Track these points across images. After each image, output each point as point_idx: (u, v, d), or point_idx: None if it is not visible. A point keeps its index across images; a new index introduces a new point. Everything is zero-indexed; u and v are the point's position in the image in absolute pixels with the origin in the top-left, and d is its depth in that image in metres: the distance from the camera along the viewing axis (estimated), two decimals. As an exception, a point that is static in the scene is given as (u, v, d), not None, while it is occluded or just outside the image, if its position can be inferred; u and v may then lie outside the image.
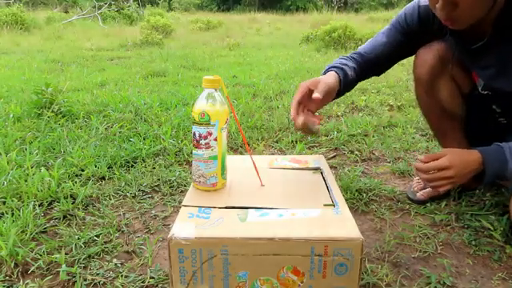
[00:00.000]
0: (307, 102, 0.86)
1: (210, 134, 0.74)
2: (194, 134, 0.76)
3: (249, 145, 1.68)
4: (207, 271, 0.63)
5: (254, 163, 0.84)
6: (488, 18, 0.85)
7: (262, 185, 0.82)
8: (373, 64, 1.08)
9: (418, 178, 1.29)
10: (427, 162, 0.90)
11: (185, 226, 0.64)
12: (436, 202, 1.18)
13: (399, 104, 2.30)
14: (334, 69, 0.97)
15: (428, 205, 1.16)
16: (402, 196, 1.23)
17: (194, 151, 0.77)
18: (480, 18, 0.83)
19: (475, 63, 0.98)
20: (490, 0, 0.80)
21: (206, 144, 0.75)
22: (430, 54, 1.04)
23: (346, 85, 0.98)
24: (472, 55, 0.96)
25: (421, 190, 1.20)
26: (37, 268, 0.88)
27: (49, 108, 1.97)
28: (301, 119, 0.82)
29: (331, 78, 0.92)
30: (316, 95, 0.82)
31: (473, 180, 0.91)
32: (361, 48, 1.10)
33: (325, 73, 0.97)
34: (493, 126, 1.07)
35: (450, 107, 1.08)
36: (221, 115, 0.74)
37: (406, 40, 1.05)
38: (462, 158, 0.89)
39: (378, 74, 1.14)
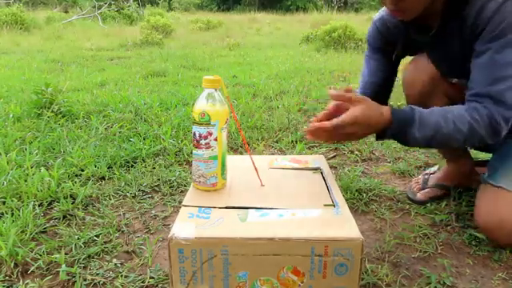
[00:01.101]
0: None
1: (210, 133, 0.74)
2: (194, 133, 0.76)
3: (249, 145, 1.68)
4: (207, 271, 0.63)
5: (253, 163, 0.84)
6: (436, 8, 0.87)
7: (262, 185, 0.82)
8: (378, 94, 1.09)
9: (417, 178, 1.29)
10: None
11: (185, 226, 0.64)
12: (436, 201, 1.18)
13: (399, 104, 2.30)
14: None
15: (428, 205, 1.16)
16: (401, 196, 1.23)
17: (194, 151, 0.77)
18: (428, 8, 0.85)
19: (431, 56, 1.01)
20: None
21: (206, 144, 0.75)
22: (417, 75, 1.06)
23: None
24: (428, 47, 1.00)
25: (420, 190, 1.20)
26: (37, 268, 0.88)
27: (49, 108, 1.97)
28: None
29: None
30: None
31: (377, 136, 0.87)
32: (363, 81, 1.15)
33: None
34: None
35: None
36: (221, 115, 0.74)
37: (384, 58, 1.09)
38: (366, 111, 0.83)
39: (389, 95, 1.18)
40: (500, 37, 0.80)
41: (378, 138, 0.87)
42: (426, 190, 1.20)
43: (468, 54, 0.88)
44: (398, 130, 0.84)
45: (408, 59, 1.13)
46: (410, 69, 1.08)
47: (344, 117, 0.79)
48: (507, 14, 0.78)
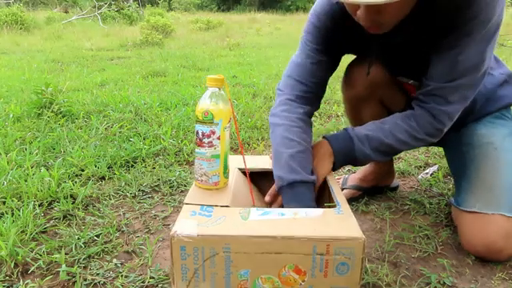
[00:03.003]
0: None
1: (213, 132, 0.74)
2: (197, 132, 0.76)
3: (249, 145, 1.68)
4: (209, 269, 0.63)
5: (248, 178, 0.84)
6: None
7: (254, 205, 0.82)
8: (318, 99, 1.00)
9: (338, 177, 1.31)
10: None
11: (187, 224, 0.64)
12: (436, 201, 1.18)
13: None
14: (307, 193, 0.83)
15: (428, 205, 1.16)
16: (402, 196, 1.23)
17: (196, 149, 0.77)
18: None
19: (387, 57, 0.96)
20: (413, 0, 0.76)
21: (208, 143, 0.75)
22: (357, 78, 1.03)
23: None
24: (394, 52, 0.93)
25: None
26: (37, 268, 0.88)
27: (49, 108, 1.97)
28: None
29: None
30: None
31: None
32: (299, 86, 0.95)
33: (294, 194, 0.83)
34: None
35: None
36: (224, 114, 0.74)
37: (330, 49, 0.95)
38: None
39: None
40: (469, 34, 0.79)
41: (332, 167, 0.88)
42: (344, 191, 1.21)
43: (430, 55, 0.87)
44: (342, 148, 0.86)
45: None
46: (351, 70, 1.05)
47: None
48: (477, 12, 0.77)
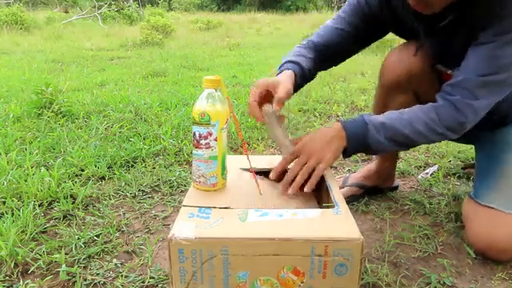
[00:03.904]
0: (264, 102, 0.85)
1: (211, 134, 0.74)
2: (194, 134, 0.76)
3: (249, 145, 1.68)
4: (207, 271, 0.63)
5: (253, 172, 0.84)
6: None
7: (261, 194, 0.81)
8: (329, 56, 1.03)
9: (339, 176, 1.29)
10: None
11: (185, 226, 0.64)
12: (436, 201, 1.18)
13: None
14: (290, 65, 0.93)
15: (428, 205, 1.16)
16: (402, 196, 1.23)
17: (194, 151, 0.77)
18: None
19: (431, 44, 0.95)
20: None
21: (206, 144, 0.75)
22: (397, 64, 1.01)
23: (303, 79, 0.96)
24: (431, 35, 0.92)
25: (340, 188, 1.19)
26: (37, 268, 0.88)
27: (49, 108, 1.97)
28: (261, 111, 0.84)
29: (288, 79, 0.88)
30: (279, 97, 0.81)
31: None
32: (315, 36, 1.04)
33: (280, 68, 0.93)
34: None
35: None
36: (221, 115, 0.74)
37: (364, 26, 0.99)
38: (317, 132, 0.86)
39: (336, 65, 1.09)
40: (508, 32, 0.77)
41: (344, 153, 0.85)
42: (345, 188, 1.20)
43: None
44: (355, 133, 0.83)
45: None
46: (394, 55, 1.03)
47: (292, 147, 0.84)
48: None
